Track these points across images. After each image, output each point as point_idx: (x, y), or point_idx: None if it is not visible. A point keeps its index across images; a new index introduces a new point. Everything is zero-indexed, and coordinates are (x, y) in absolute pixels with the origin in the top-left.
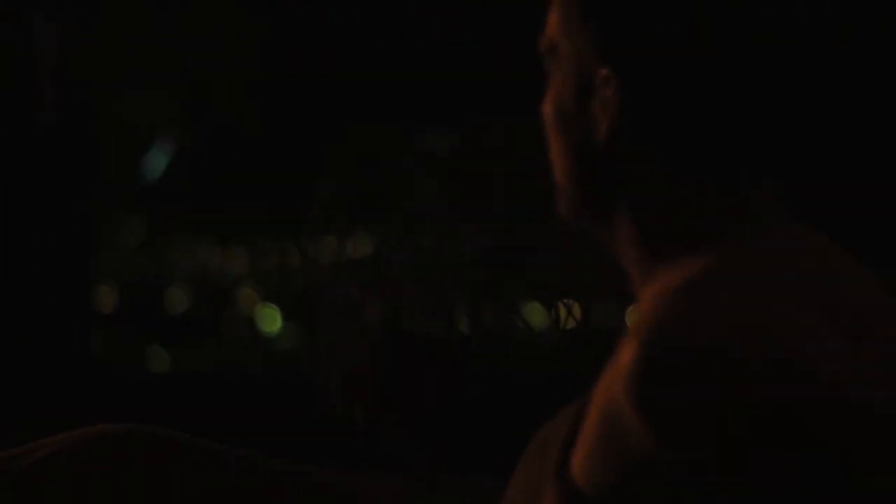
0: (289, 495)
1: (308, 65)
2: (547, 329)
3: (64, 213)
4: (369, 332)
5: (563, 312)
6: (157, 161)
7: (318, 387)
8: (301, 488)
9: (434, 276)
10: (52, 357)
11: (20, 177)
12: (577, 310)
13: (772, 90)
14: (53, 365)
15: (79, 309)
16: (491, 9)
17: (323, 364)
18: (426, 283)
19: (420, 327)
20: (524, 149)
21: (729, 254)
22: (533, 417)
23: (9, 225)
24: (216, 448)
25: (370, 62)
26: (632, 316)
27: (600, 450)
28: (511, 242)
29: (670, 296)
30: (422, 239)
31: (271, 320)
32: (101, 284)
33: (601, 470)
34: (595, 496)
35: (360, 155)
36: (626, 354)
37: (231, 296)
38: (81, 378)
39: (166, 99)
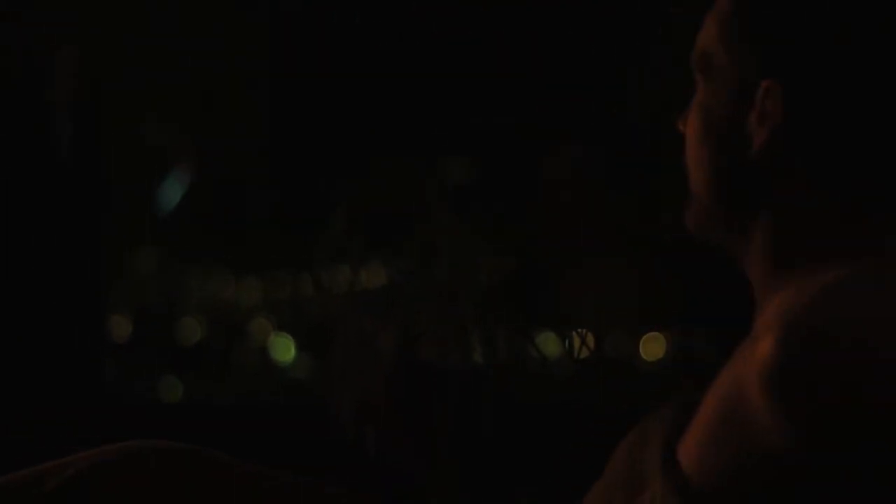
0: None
1: (320, 93)
2: (560, 358)
3: (77, 242)
4: (383, 361)
5: (576, 342)
6: (172, 191)
7: (331, 416)
8: (307, 497)
9: (448, 305)
10: (65, 386)
11: (33, 205)
12: (590, 340)
13: None
14: (66, 394)
15: (92, 338)
16: (513, 38)
17: (336, 392)
18: (440, 312)
19: (434, 356)
20: (542, 178)
21: (870, 263)
22: (546, 445)
23: (21, 253)
24: (238, 464)
25: (387, 89)
26: (765, 315)
27: (716, 439)
28: (525, 273)
29: (809, 296)
30: (436, 268)
31: (285, 350)
32: (114, 314)
33: (715, 459)
34: (705, 484)
35: (375, 183)
36: (761, 349)
37: (244, 325)
38: (94, 407)
39: (182, 129)
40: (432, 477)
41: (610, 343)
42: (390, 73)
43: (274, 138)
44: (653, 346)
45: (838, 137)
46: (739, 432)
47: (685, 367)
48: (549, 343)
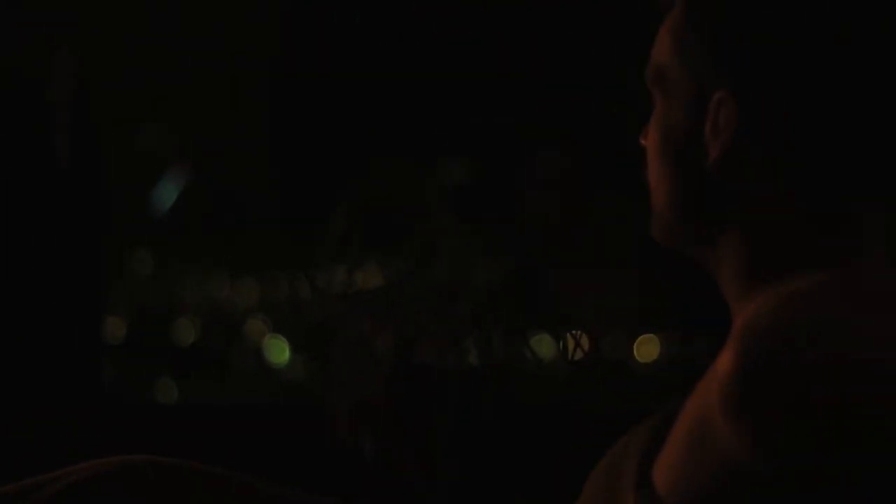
0: None
1: (320, 93)
2: (555, 360)
3: (76, 242)
4: (382, 363)
5: (571, 344)
6: (167, 192)
7: (330, 417)
8: None
9: (447, 305)
10: (63, 386)
11: (32, 206)
12: (585, 341)
13: None
14: (64, 394)
15: (90, 339)
16: (512, 38)
17: (334, 395)
18: (439, 312)
19: (433, 357)
20: (540, 181)
21: (833, 275)
22: (541, 447)
23: (20, 254)
24: (235, 478)
25: (386, 89)
26: (738, 320)
27: (687, 458)
28: (521, 274)
29: (772, 309)
30: (435, 268)
31: (279, 352)
32: (110, 315)
33: (687, 479)
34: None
35: (373, 185)
36: (723, 363)
37: (240, 327)
38: (91, 409)
39: (181, 129)
40: (431, 478)
41: (605, 345)
42: (390, 73)
43: (273, 139)
44: (647, 348)
45: (796, 146)
46: (707, 447)
47: (680, 369)
48: (543, 345)
